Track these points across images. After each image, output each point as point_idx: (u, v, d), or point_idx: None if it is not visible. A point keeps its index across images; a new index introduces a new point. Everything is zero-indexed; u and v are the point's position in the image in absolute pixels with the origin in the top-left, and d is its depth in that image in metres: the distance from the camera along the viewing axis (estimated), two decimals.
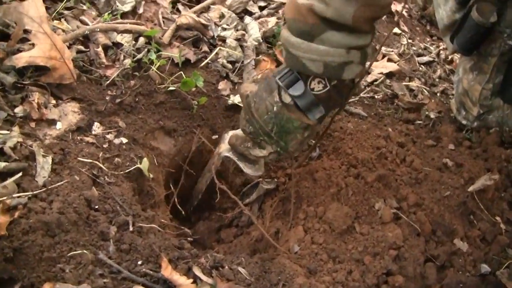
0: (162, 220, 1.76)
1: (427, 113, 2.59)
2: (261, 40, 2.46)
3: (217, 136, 2.22)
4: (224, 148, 1.89)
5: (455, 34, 2.23)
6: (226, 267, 1.54)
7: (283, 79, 1.65)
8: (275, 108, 1.68)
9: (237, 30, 2.52)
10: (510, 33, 2.13)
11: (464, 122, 2.46)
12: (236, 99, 2.27)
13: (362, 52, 1.61)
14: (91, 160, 1.71)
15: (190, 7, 2.61)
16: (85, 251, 1.43)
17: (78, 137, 1.78)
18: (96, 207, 1.57)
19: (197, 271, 1.48)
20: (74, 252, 1.42)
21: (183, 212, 1.97)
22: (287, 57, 1.64)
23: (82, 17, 2.19)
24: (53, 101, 1.81)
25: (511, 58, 2.17)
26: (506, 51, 2.18)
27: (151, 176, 1.90)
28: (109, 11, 2.31)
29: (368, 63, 1.71)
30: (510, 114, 2.34)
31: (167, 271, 1.45)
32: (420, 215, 1.88)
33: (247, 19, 2.58)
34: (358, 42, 1.58)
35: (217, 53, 2.40)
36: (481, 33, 2.14)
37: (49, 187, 1.53)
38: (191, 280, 1.45)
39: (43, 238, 1.40)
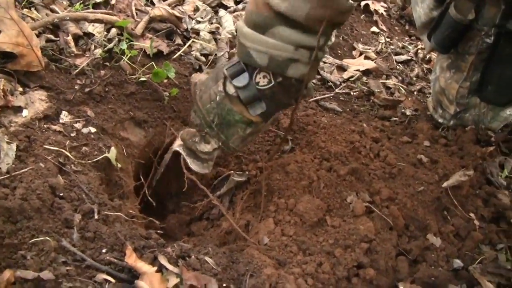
0: (130, 211, 1.73)
1: (403, 110, 2.62)
2: (235, 33, 2.44)
3: None
4: (177, 143, 1.85)
5: (433, 31, 2.24)
6: (193, 256, 1.51)
7: (230, 69, 1.62)
8: (217, 98, 1.67)
9: (211, 23, 2.52)
10: (488, 31, 2.14)
11: (440, 120, 2.48)
12: None
13: (312, 53, 1.58)
14: (57, 148, 1.68)
15: (165, 0, 2.58)
16: (48, 238, 1.40)
17: (45, 125, 1.76)
18: (61, 194, 1.54)
19: (162, 260, 1.46)
20: (37, 239, 1.38)
21: (154, 204, 1.94)
22: (237, 47, 1.64)
23: (53, 6, 2.17)
24: (20, 89, 1.78)
25: (489, 56, 2.17)
26: (483, 49, 2.19)
27: (120, 166, 1.88)
28: (81, 1, 2.28)
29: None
30: (486, 113, 2.35)
31: (131, 259, 1.42)
32: (393, 209, 1.88)
33: (222, 12, 2.58)
34: (308, 42, 1.55)
35: (190, 46, 2.40)
36: (459, 31, 2.16)
37: (13, 174, 1.51)
38: (155, 268, 1.42)
39: (4, 224, 1.37)
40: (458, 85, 2.32)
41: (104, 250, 1.46)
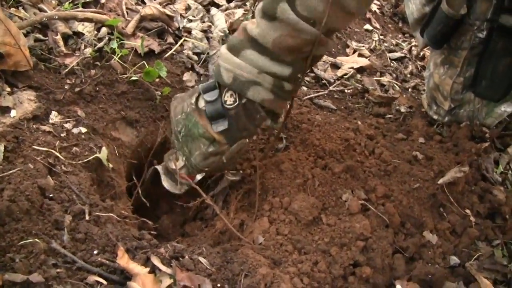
0: (122, 211, 1.71)
1: (397, 107, 2.62)
2: (227, 32, 2.45)
3: None
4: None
5: (425, 27, 2.25)
6: (186, 257, 1.49)
7: (205, 85, 1.70)
8: (188, 109, 1.74)
9: (203, 22, 2.51)
10: (480, 25, 2.13)
11: (435, 117, 2.47)
12: None
13: (277, 81, 1.63)
14: (47, 149, 1.66)
15: None
16: (37, 240, 1.38)
17: (34, 126, 1.74)
18: (51, 195, 1.53)
19: (155, 261, 1.44)
20: (25, 241, 1.36)
21: (147, 204, 1.93)
22: (215, 67, 1.71)
23: (41, 5, 2.15)
24: (8, 89, 1.77)
25: (482, 51, 2.17)
26: (476, 44, 2.18)
27: (111, 166, 1.87)
28: (70, 0, 2.27)
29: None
30: (480, 109, 2.35)
31: (123, 260, 1.40)
32: (389, 206, 1.86)
33: (213, 10, 2.57)
34: (272, 69, 1.61)
35: (182, 44, 2.39)
36: (451, 26, 2.15)
37: (1, 175, 1.49)
38: (148, 269, 1.40)
39: None
40: (452, 81, 2.32)
41: (95, 252, 1.44)
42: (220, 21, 2.47)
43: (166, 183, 1.88)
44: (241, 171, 2.05)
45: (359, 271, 1.67)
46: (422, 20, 2.28)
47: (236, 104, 1.67)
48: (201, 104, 1.70)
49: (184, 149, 1.79)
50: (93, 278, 1.36)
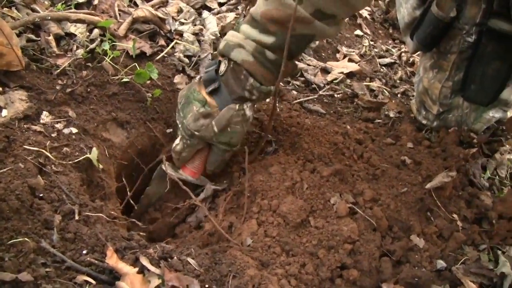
0: (112, 212, 1.72)
1: (386, 112, 2.63)
2: (219, 35, 2.46)
3: (171, 130, 2.22)
4: None
5: (415, 30, 2.27)
6: (175, 257, 1.50)
7: (208, 63, 2.00)
8: (191, 85, 1.96)
9: (195, 25, 2.53)
10: (469, 29, 2.15)
11: (424, 122, 2.49)
12: None
13: (259, 47, 1.84)
14: (37, 149, 1.67)
15: (148, 1, 2.59)
16: (26, 239, 1.39)
17: (25, 126, 1.75)
18: (41, 195, 1.53)
19: (144, 261, 1.44)
20: (15, 240, 1.37)
21: (135, 207, 1.96)
22: None
23: (34, 6, 2.16)
24: (0, 88, 1.77)
25: (471, 55, 2.19)
26: (465, 48, 2.20)
27: (101, 167, 1.87)
28: (63, 1, 2.28)
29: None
30: (469, 114, 2.37)
31: (112, 259, 1.41)
32: (377, 210, 1.87)
33: (205, 13, 2.58)
34: (256, 37, 1.85)
35: (173, 47, 2.40)
36: (441, 28, 2.18)
37: None
38: (137, 269, 1.41)
39: None
40: (441, 85, 2.34)
41: (84, 251, 1.45)
42: (212, 24, 2.49)
43: (169, 168, 1.96)
44: (225, 182, 2.06)
45: (346, 274, 1.68)
46: (413, 24, 2.30)
47: (225, 68, 1.88)
48: (201, 76, 1.94)
49: (180, 115, 1.91)
50: (82, 278, 1.37)
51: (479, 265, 1.86)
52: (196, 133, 1.88)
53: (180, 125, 1.92)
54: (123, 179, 1.98)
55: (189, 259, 1.51)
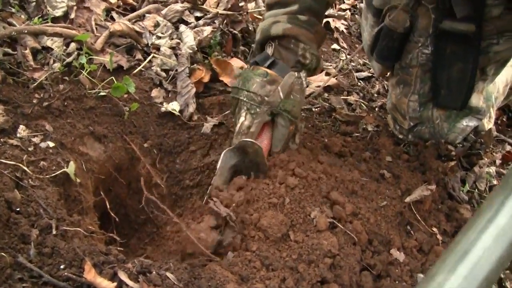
0: (89, 227, 1.72)
1: (364, 126, 2.66)
2: (196, 49, 2.47)
3: (149, 144, 2.23)
4: None
5: (374, 46, 2.33)
6: (154, 272, 1.50)
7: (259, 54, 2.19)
8: (243, 71, 2.10)
9: (172, 39, 2.55)
10: (424, 42, 2.22)
11: (400, 136, 2.52)
12: (169, 106, 2.29)
13: (290, 15, 2.09)
14: (14, 163, 1.67)
15: (125, 15, 2.59)
16: (3, 254, 1.38)
17: (1, 139, 1.75)
18: (18, 209, 1.53)
19: (122, 276, 1.44)
20: None
21: (116, 219, 1.92)
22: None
23: (10, 20, 2.15)
24: None
25: (434, 61, 2.24)
26: (424, 60, 2.26)
27: (79, 181, 1.88)
28: (39, 16, 2.28)
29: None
30: (441, 124, 2.40)
31: (90, 274, 1.40)
32: (356, 224, 1.88)
33: (182, 27, 2.59)
34: (283, 11, 2.10)
35: (150, 61, 2.42)
36: (395, 39, 2.24)
37: None
38: (115, 284, 1.41)
39: None
40: (407, 99, 2.38)
41: (62, 266, 1.44)
42: (189, 38, 2.50)
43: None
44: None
45: None
46: (374, 44, 2.35)
47: (273, 47, 2.11)
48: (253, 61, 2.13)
49: (243, 90, 2.02)
50: None
51: None
52: (266, 98, 1.97)
53: (245, 99, 2.00)
54: (101, 193, 1.97)
55: (168, 274, 1.51)
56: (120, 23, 2.40)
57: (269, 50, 2.11)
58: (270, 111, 1.99)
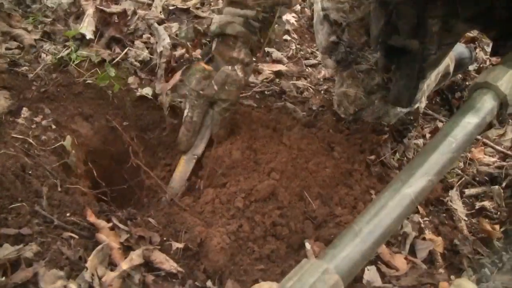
0: (83, 189, 2.02)
1: (310, 106, 2.90)
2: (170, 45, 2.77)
3: (128, 123, 2.50)
4: None
5: (332, 53, 2.57)
6: (139, 218, 1.85)
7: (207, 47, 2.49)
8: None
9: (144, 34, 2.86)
10: (374, 47, 2.43)
11: (343, 116, 2.76)
12: (143, 91, 2.55)
13: (245, 20, 2.22)
14: (23, 137, 1.96)
15: None
16: (24, 204, 1.69)
17: (10, 119, 2.03)
18: (30, 172, 1.83)
19: (115, 221, 1.78)
20: (14, 205, 1.68)
21: (103, 184, 2.18)
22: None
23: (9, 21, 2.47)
24: None
25: (383, 68, 2.47)
26: (372, 62, 2.51)
27: (74, 152, 2.14)
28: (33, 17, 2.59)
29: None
30: (379, 110, 2.68)
31: (92, 217, 1.76)
32: (302, 183, 2.19)
33: (155, 25, 2.91)
34: (241, 13, 2.21)
35: (126, 53, 2.68)
36: (353, 52, 2.49)
37: None
38: (111, 224, 1.76)
39: None
40: (355, 91, 2.63)
41: (68, 214, 1.77)
42: (165, 35, 2.80)
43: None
44: None
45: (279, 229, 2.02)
46: (329, 48, 2.59)
47: (216, 43, 2.28)
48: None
49: (186, 86, 2.29)
50: (67, 234, 1.70)
51: None
52: (200, 92, 2.24)
53: (188, 94, 2.28)
54: (89, 163, 2.26)
55: (150, 219, 1.86)
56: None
57: (213, 45, 2.29)
58: (208, 101, 2.27)
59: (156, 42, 2.80)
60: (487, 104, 1.63)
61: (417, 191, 1.40)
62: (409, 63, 2.34)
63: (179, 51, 2.82)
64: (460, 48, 3.47)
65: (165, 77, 2.65)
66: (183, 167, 2.31)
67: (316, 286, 1.18)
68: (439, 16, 2.19)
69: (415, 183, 1.41)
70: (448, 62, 3.10)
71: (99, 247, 1.65)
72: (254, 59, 2.39)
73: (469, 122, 1.57)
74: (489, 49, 3.67)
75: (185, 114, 2.28)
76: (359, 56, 2.53)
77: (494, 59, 4.00)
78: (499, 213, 2.60)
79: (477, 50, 4.03)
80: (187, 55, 2.83)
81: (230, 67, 2.26)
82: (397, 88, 2.42)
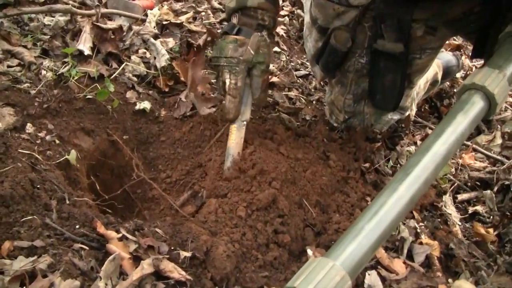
0: (89, 201, 2.06)
1: (303, 116, 2.95)
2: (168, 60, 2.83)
3: (128, 136, 2.54)
4: None
5: (319, 57, 2.63)
6: (146, 229, 1.88)
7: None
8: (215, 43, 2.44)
9: (140, 49, 2.92)
10: (361, 53, 2.51)
11: (335, 124, 2.83)
12: (141, 105, 2.59)
13: None
14: (29, 152, 2.00)
15: None
16: (35, 217, 1.74)
17: (16, 134, 2.06)
18: (38, 186, 1.87)
19: (123, 231, 1.82)
20: (26, 218, 1.72)
21: (106, 197, 2.22)
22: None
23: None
24: None
25: (370, 71, 2.54)
26: (359, 68, 2.56)
27: (78, 166, 2.19)
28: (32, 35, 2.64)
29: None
30: (370, 117, 2.73)
31: (101, 229, 1.80)
32: (301, 192, 2.25)
33: (151, 40, 2.96)
34: None
35: (123, 68, 2.73)
36: (339, 56, 2.54)
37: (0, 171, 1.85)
38: (120, 235, 1.80)
39: (0, 208, 1.72)
40: (343, 98, 2.69)
41: (77, 226, 1.81)
42: (163, 50, 2.87)
43: None
44: None
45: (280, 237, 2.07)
46: (317, 55, 2.66)
47: (237, 18, 2.39)
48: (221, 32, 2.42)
49: (221, 57, 2.34)
50: (77, 245, 1.73)
51: None
52: (240, 57, 2.32)
53: (225, 64, 2.33)
54: (91, 177, 2.29)
55: (157, 229, 1.89)
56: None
57: (235, 20, 2.38)
58: (247, 66, 2.33)
59: (155, 58, 2.86)
60: (476, 104, 1.69)
61: (414, 189, 1.45)
62: (394, 67, 2.44)
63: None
64: (447, 57, 3.57)
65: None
66: (236, 135, 2.36)
67: (324, 282, 1.23)
68: (423, 20, 2.32)
69: (412, 182, 1.46)
70: (436, 70, 3.20)
71: (111, 257, 1.68)
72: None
73: (460, 122, 1.63)
74: None
75: (227, 83, 2.32)
76: (346, 61, 2.58)
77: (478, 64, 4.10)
78: (491, 217, 2.67)
79: (463, 57, 4.11)
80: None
81: (259, 33, 2.38)
82: (383, 90, 2.54)
